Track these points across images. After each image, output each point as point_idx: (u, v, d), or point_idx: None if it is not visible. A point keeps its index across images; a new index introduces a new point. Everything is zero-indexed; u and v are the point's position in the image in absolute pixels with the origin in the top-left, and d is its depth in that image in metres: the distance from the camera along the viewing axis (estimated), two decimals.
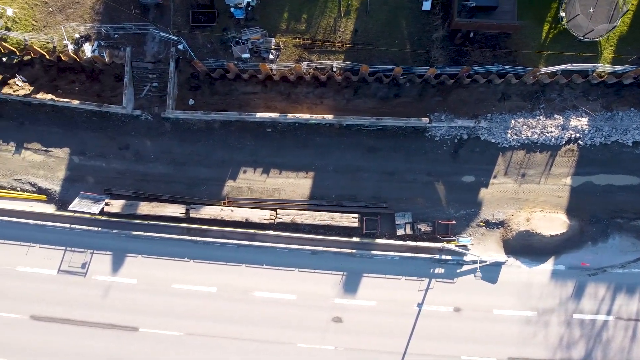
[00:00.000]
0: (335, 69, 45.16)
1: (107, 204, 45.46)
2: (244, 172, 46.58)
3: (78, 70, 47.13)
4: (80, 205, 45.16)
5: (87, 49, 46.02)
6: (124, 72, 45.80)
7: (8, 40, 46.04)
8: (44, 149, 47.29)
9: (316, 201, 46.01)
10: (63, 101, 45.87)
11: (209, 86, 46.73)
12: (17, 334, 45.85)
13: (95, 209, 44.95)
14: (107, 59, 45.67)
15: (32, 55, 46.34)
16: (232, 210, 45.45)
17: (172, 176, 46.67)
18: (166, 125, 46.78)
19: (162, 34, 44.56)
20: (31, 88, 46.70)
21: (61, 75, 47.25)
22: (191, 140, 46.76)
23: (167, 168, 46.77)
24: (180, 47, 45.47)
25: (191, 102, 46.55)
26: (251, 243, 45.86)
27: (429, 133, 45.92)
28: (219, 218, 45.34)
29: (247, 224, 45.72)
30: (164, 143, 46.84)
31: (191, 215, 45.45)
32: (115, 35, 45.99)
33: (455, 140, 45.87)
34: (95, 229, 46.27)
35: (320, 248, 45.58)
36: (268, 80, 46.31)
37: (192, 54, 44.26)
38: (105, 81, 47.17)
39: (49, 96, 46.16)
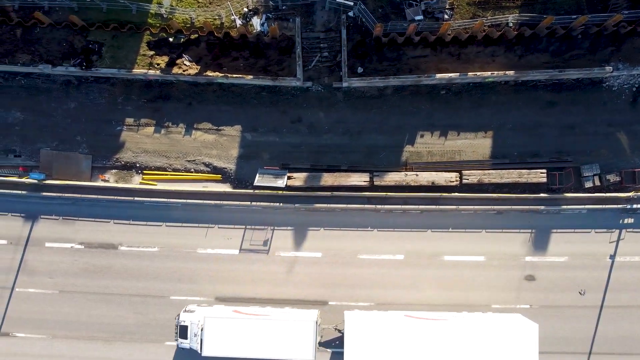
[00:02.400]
0: (510, 25, 44.56)
1: (289, 178, 44.77)
2: (421, 136, 45.97)
3: (241, 46, 46.40)
4: (263, 180, 44.48)
5: (256, 23, 45.33)
6: (295, 44, 45.12)
7: (174, 19, 45.30)
8: (215, 128, 46.53)
9: (498, 160, 45.43)
10: (236, 77, 45.17)
11: (377, 53, 46.06)
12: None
13: (281, 182, 44.25)
14: (277, 32, 44.97)
15: (199, 34, 45.60)
16: (417, 175, 44.80)
17: (347, 146, 46.02)
18: (338, 95, 46.13)
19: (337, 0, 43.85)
20: (198, 67, 45.97)
21: (224, 53, 46.49)
22: (364, 109, 46.12)
23: (342, 138, 46.10)
24: (350, 14, 44.82)
25: (360, 70, 45.86)
26: (435, 207, 45.22)
27: (607, 83, 45.41)
28: (404, 183, 44.71)
29: (429, 188, 45.08)
30: (337, 113, 46.18)
31: (375, 183, 44.83)
32: (283, 7, 45.28)
33: (634, 89, 45.35)
34: (276, 204, 45.53)
35: (506, 207, 45.02)
36: (437, 43, 45.67)
37: (373, 17, 43.51)
38: (271, 55, 46.39)
39: (220, 74, 45.43)
